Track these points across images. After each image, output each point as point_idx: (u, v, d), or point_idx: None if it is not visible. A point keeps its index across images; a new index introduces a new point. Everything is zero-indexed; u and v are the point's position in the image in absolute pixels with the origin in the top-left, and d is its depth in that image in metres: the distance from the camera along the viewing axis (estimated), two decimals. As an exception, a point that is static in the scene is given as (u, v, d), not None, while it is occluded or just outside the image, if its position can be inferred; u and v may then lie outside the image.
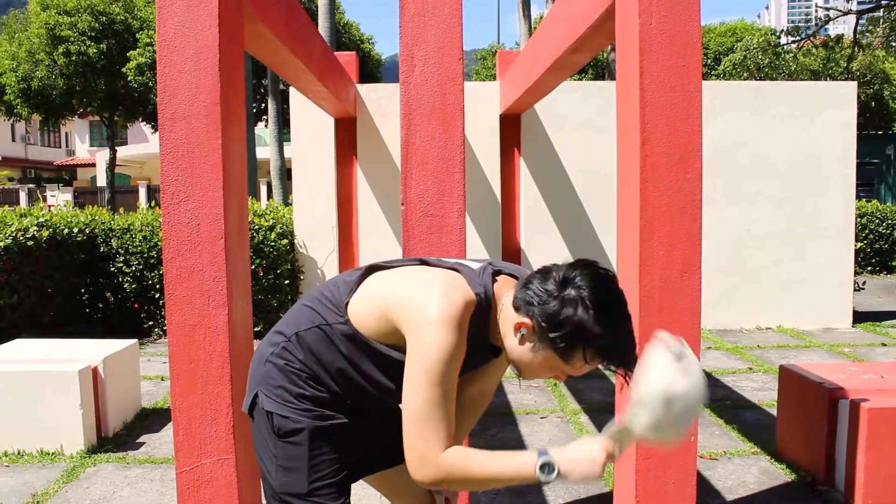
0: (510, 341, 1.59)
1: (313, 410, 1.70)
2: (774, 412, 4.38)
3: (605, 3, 3.04)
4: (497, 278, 1.67)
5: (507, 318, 1.60)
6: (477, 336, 1.61)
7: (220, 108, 2.61)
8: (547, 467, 1.46)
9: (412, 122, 2.75)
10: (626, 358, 1.53)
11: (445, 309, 1.51)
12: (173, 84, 2.62)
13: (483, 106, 7.17)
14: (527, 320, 1.53)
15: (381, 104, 7.26)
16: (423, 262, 1.72)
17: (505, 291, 1.64)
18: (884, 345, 6.70)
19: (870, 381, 3.67)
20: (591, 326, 1.47)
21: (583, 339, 1.48)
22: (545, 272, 1.57)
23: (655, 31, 2.60)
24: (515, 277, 1.69)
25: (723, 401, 5.01)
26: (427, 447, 1.49)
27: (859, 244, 11.38)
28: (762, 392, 5.21)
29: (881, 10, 17.56)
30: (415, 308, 1.55)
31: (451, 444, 1.52)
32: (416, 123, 2.75)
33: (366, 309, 1.64)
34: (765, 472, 3.77)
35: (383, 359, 1.66)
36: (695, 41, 2.63)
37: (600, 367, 1.55)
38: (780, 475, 3.73)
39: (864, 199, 13.16)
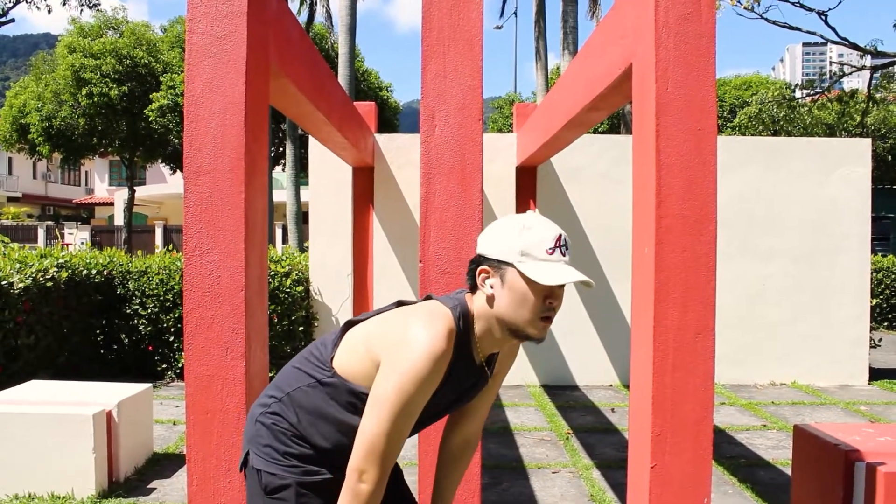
0: (490, 312, 1.69)
1: (300, 466, 1.74)
2: (789, 472, 4.33)
3: (623, 65, 3.10)
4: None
5: (478, 302, 1.72)
6: (461, 349, 1.68)
7: (245, 162, 2.68)
8: None
9: (432, 181, 2.81)
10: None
11: (428, 337, 1.58)
12: (199, 139, 2.69)
13: (499, 157, 7.25)
14: (483, 266, 1.69)
15: (399, 154, 7.35)
16: (401, 303, 1.80)
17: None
18: (901, 404, 6.63)
19: (887, 443, 3.63)
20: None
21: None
22: None
23: (672, 96, 2.65)
24: None
25: (737, 458, 4.96)
26: (375, 473, 1.57)
27: (875, 300, 11.31)
28: (777, 450, 5.15)
29: (895, 66, 17.67)
30: (397, 334, 1.62)
31: (388, 473, 1.60)
32: (436, 182, 2.80)
33: (352, 358, 1.71)
34: (779, 535, 3.72)
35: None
36: (710, 105, 2.68)
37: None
38: (795, 538, 3.68)
39: (880, 254, 13.10)
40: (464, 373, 1.74)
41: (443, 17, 2.89)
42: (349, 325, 1.80)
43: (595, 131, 20.12)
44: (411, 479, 4.28)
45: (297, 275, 7.26)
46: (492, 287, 1.67)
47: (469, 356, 1.73)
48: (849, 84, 28.91)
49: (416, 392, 1.55)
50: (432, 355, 1.56)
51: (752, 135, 21.58)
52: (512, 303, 1.65)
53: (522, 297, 1.64)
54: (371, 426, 1.56)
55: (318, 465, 1.75)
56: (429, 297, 1.79)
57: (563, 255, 1.67)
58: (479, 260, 1.70)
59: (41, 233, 28.07)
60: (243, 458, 1.83)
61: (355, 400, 1.69)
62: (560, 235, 1.67)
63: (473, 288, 1.73)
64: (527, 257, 1.63)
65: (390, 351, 1.60)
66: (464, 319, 1.69)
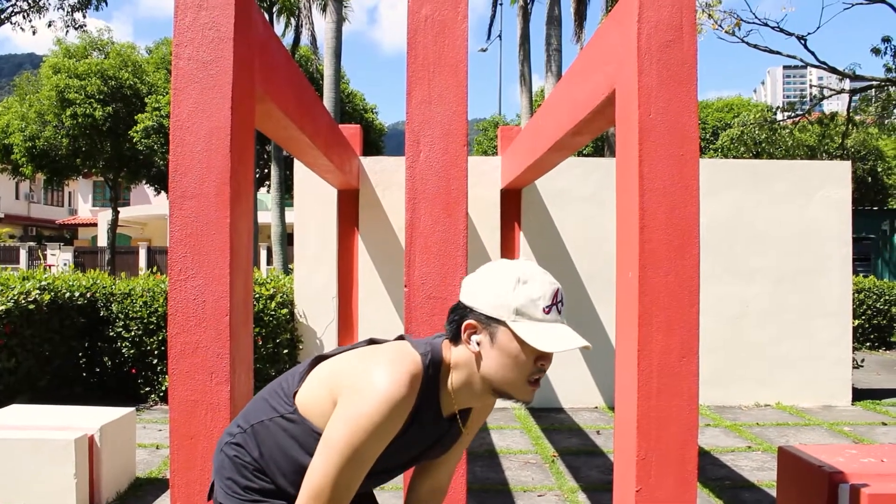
0: (472, 368, 1.58)
1: (261, 501, 1.69)
2: (774, 493, 4.34)
3: (607, 91, 3.14)
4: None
5: (457, 353, 1.60)
6: (427, 398, 1.59)
7: (230, 187, 2.68)
8: None
9: (417, 207, 2.83)
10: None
11: (387, 382, 1.48)
12: (185, 163, 2.69)
13: (484, 180, 7.28)
14: (469, 321, 1.55)
15: (384, 176, 7.37)
16: (373, 341, 1.72)
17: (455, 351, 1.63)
18: (884, 424, 6.66)
19: (870, 464, 3.65)
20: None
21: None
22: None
23: (654, 122, 2.69)
24: None
25: (722, 480, 4.96)
26: None
27: (857, 320, 11.40)
28: (761, 472, 5.16)
29: (873, 89, 17.95)
30: (357, 375, 1.53)
31: None
32: (421, 208, 2.82)
33: (315, 395, 1.63)
34: (765, 558, 3.72)
35: None
36: (692, 131, 2.71)
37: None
38: (780, 561, 3.68)
39: (862, 275, 13.22)
40: (428, 423, 1.63)
41: (428, 44, 2.93)
42: (318, 360, 1.72)
43: (580, 154, 20.28)
44: (398, 502, 4.26)
45: (281, 297, 7.24)
46: (478, 344, 1.54)
47: (436, 406, 1.63)
48: (829, 107, 29.33)
49: (369, 439, 1.46)
50: (389, 401, 1.46)
51: (735, 157, 21.82)
52: (501, 365, 1.53)
53: (514, 359, 1.52)
54: (318, 471, 1.48)
55: (280, 499, 1.70)
56: (401, 338, 1.71)
57: (559, 314, 1.55)
58: (464, 311, 1.57)
59: (23, 254, 27.84)
60: (211, 488, 1.79)
61: (314, 442, 1.58)
62: (557, 291, 1.56)
63: (455, 338, 1.60)
64: (521, 317, 1.51)
65: (347, 392, 1.51)
66: (434, 367, 1.58)
